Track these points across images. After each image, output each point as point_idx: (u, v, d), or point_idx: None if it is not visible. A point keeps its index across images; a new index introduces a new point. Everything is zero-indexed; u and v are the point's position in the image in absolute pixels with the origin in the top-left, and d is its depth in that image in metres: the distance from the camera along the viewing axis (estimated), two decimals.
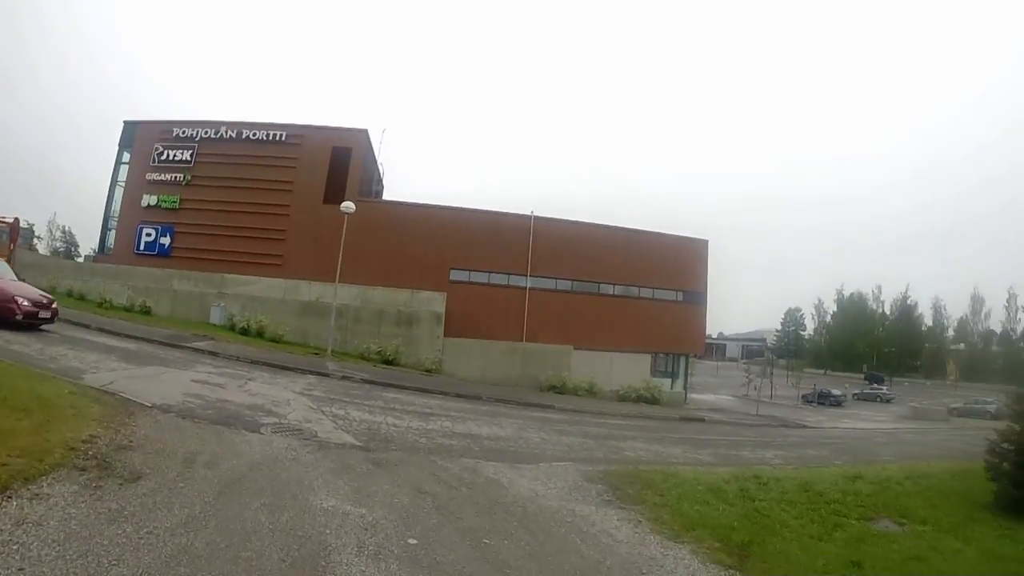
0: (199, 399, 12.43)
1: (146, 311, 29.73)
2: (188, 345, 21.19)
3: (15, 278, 18.70)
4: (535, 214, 37.05)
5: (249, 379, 16.52)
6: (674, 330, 39.10)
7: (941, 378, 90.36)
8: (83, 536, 4.97)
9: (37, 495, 5.61)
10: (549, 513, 8.47)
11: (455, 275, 35.71)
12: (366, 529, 6.49)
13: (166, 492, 6.45)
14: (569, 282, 37.25)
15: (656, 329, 38.21)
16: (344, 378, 20.53)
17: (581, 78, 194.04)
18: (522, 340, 34.83)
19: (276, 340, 28.24)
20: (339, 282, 30.55)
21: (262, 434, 10.37)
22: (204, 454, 8.29)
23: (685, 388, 40.70)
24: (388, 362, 28.37)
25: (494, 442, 13.63)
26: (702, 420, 27.81)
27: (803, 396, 57.52)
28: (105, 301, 29.46)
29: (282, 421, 11.71)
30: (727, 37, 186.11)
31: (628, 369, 35.49)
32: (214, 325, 29.74)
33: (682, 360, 41.54)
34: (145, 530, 5.32)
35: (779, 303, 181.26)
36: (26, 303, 16.79)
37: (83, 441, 7.41)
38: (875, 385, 75.47)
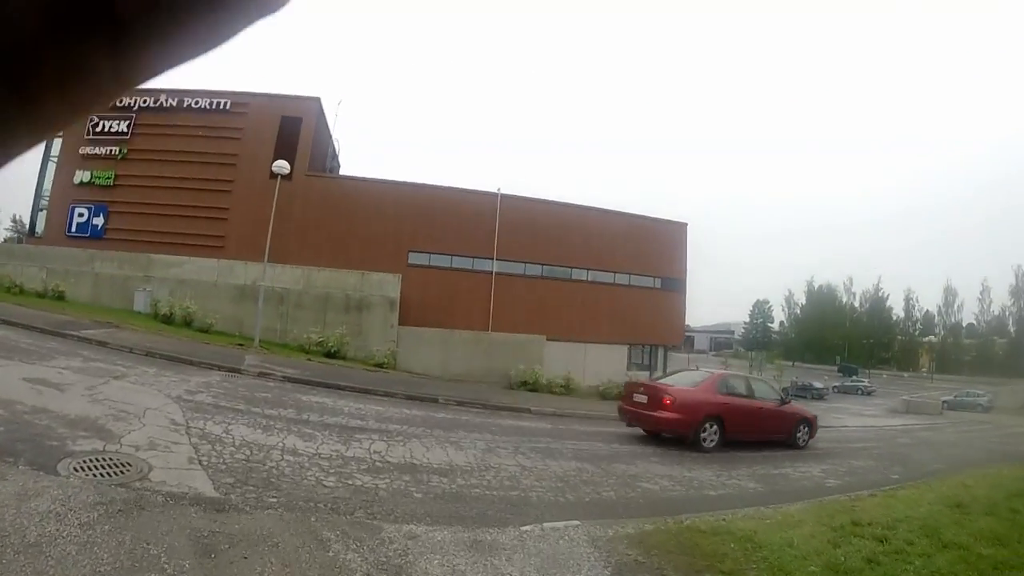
0: (3, 407, 8.54)
1: (59, 296, 25.35)
2: (75, 334, 16.92)
3: None
4: (502, 192, 33.02)
5: (116, 377, 12.23)
6: (652, 319, 35.27)
7: (914, 370, 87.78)
8: None
9: None
10: None
11: (414, 258, 31.56)
12: None
13: None
14: (539, 267, 33.21)
15: (633, 318, 34.33)
16: (261, 375, 16.19)
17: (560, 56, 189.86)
18: (488, 330, 30.66)
19: (204, 330, 23.88)
20: (282, 264, 26.58)
21: (56, 473, 6.46)
22: None
23: None
24: (331, 355, 23.88)
25: (447, 479, 8.84)
26: None
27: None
28: (15, 286, 25.16)
29: (109, 447, 7.67)
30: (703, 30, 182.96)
31: (604, 361, 31.53)
32: (137, 313, 25.34)
33: (660, 351, 37.65)
34: None
35: (745, 296, 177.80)
36: None
37: None
38: (853, 377, 72.38)
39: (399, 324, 27.74)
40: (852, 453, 17.45)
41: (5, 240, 47.02)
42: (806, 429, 16.58)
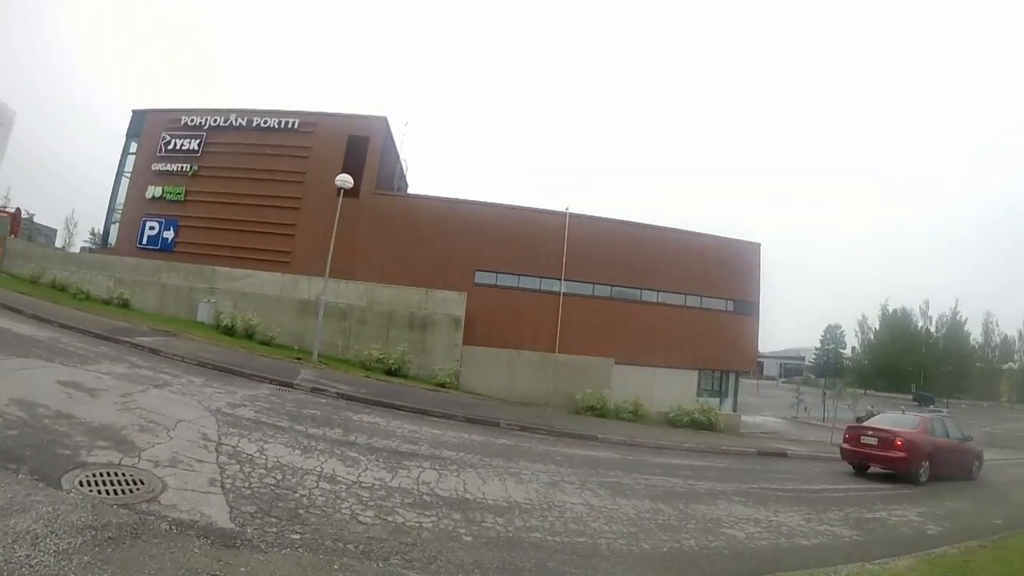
0: (24, 410, 7.69)
1: (124, 304, 25.25)
2: (129, 340, 16.32)
3: None
4: (570, 211, 31.66)
5: (158, 386, 11.37)
6: (723, 343, 33.18)
7: (993, 399, 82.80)
8: None
9: None
10: None
11: (480, 277, 30.45)
12: None
13: None
14: (608, 287, 31.64)
15: (704, 342, 32.40)
16: (314, 390, 15.14)
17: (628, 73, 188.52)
18: (555, 351, 29.27)
19: (265, 342, 23.24)
20: (347, 280, 25.88)
21: (59, 487, 5.51)
22: None
23: (735, 410, 34.74)
24: (391, 372, 22.80)
25: (503, 520, 7.48)
26: (785, 455, 21.22)
27: (857, 419, 50.86)
28: (81, 292, 25.36)
29: (126, 461, 6.69)
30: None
31: (672, 387, 29.71)
32: (200, 323, 24.93)
33: (731, 377, 35.66)
34: None
35: (816, 321, 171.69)
36: None
37: None
38: (930, 407, 68.45)
39: (463, 343, 26.59)
40: (944, 493, 15.40)
41: (80, 250, 47.59)
42: (978, 464, 18.77)
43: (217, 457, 7.62)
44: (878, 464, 16.52)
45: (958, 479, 17.08)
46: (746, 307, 34.59)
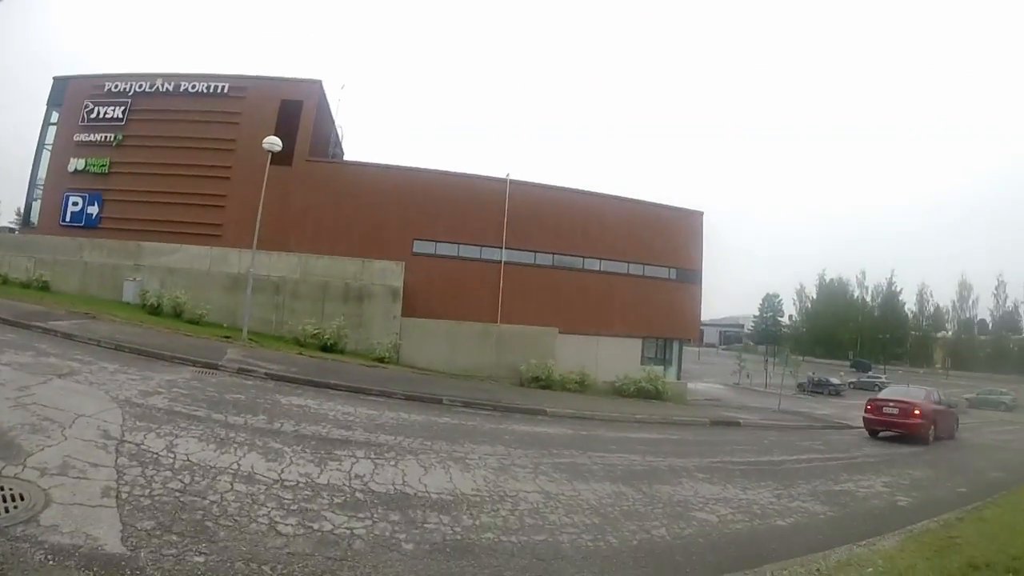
0: None
1: (43, 287, 23.67)
2: (41, 325, 14.99)
3: None
4: (511, 178, 30.89)
5: (61, 376, 10.21)
6: (666, 311, 33.09)
7: (928, 366, 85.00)
8: None
9: None
10: None
11: (419, 246, 29.51)
12: None
13: None
14: (550, 256, 31.08)
15: (647, 310, 32.20)
16: (240, 371, 14.02)
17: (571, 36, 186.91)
18: (497, 322, 28.64)
19: (195, 321, 21.90)
20: (278, 252, 24.82)
21: None
22: None
23: (679, 378, 34.68)
24: (327, 348, 21.75)
25: (449, 518, 6.62)
26: (738, 424, 21.07)
27: (799, 385, 51.56)
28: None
29: (8, 471, 5.70)
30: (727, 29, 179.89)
31: (617, 355, 29.46)
32: (125, 304, 23.50)
33: (675, 345, 35.55)
34: None
35: (755, 290, 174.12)
36: None
37: None
38: (868, 373, 69.85)
39: (403, 315, 25.68)
40: (903, 461, 15.33)
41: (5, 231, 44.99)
42: (956, 425, 22.23)
43: (116, 459, 6.62)
44: (898, 430, 18.95)
45: (944, 438, 19.93)
46: (689, 275, 34.51)
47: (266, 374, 14.14)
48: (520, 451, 10.64)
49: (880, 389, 56.68)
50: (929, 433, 18.74)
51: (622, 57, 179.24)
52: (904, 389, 22.85)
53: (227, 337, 19.35)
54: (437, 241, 29.92)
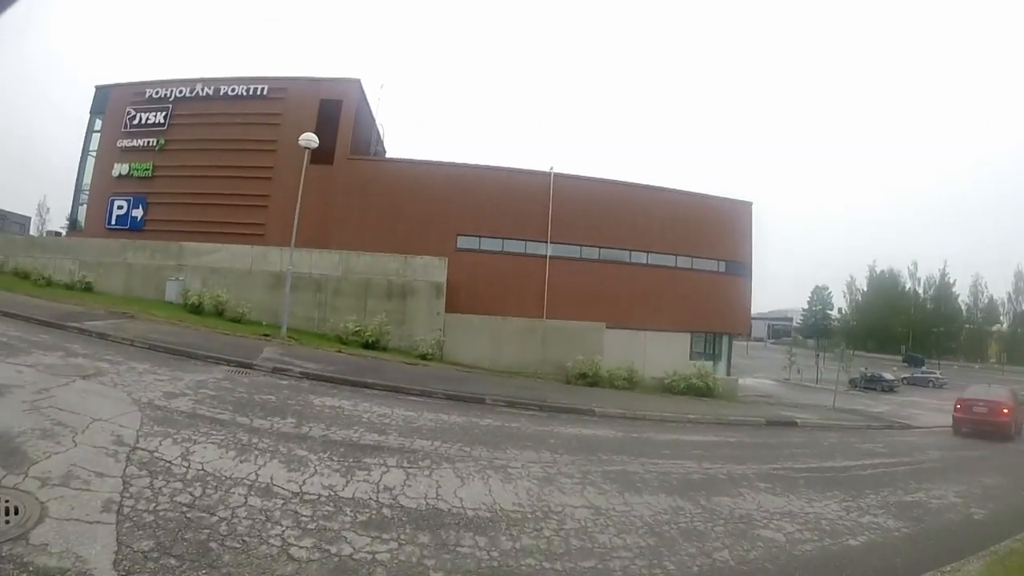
0: None
1: (87, 288, 23.53)
2: (77, 325, 14.65)
3: None
4: (555, 171, 30.00)
5: (85, 377, 9.68)
6: (716, 305, 31.75)
7: (982, 361, 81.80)
8: None
9: None
10: None
11: (463, 242, 28.85)
12: None
13: None
14: (596, 249, 30.06)
15: (696, 304, 30.93)
16: (275, 371, 13.40)
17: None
18: (542, 317, 27.76)
19: (236, 319, 21.54)
20: (320, 249, 24.43)
21: None
22: None
23: (729, 373, 33.39)
24: (369, 345, 21.06)
25: (486, 540, 5.83)
26: (795, 424, 19.81)
27: (851, 381, 49.60)
28: (42, 278, 23.58)
29: (8, 480, 5.14)
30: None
31: (665, 350, 28.34)
32: (168, 303, 23.28)
33: (724, 340, 34.28)
34: None
35: (804, 283, 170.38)
36: None
37: None
38: (922, 368, 67.29)
39: (446, 312, 24.98)
40: (970, 466, 14.44)
41: (48, 235, 45.46)
42: None
43: (125, 468, 5.98)
44: (988, 428, 19.48)
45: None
46: (738, 267, 33.22)
47: (301, 373, 13.52)
48: (567, 457, 9.75)
49: (934, 385, 55.55)
50: (1016, 430, 19.55)
51: (667, 46, 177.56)
52: (986, 388, 22.90)
53: (266, 335, 18.83)
54: (481, 236, 29.20)
